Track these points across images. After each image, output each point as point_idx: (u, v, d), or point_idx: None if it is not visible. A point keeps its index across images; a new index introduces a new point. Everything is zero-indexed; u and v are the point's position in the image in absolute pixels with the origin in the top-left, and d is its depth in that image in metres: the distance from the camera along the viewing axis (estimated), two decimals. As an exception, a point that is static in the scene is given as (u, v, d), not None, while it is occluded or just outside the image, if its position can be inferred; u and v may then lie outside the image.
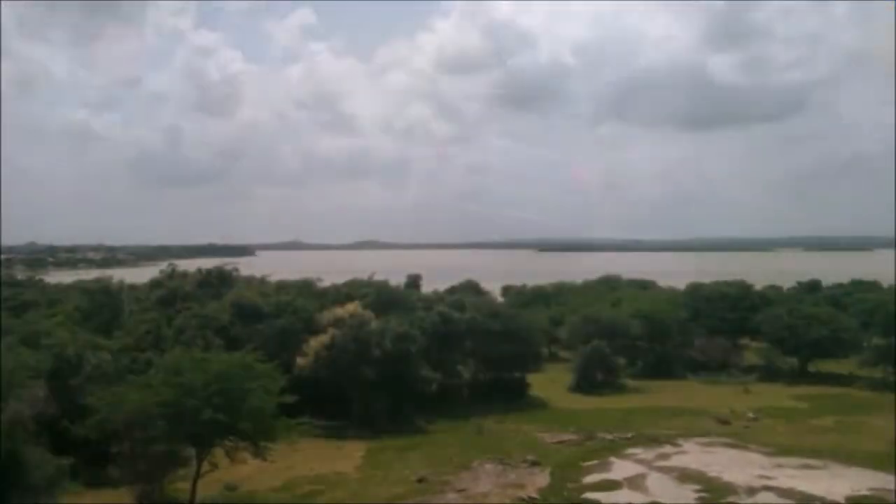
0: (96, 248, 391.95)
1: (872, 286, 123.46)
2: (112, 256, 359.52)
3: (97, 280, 67.62)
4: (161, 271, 79.06)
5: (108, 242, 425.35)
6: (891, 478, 35.63)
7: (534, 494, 33.11)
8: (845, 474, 36.34)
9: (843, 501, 32.09)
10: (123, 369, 36.95)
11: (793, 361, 68.68)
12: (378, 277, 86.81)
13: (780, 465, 37.92)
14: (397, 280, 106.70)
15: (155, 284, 72.32)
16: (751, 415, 50.54)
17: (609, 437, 44.12)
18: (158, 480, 29.69)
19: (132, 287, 75.48)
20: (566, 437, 44.23)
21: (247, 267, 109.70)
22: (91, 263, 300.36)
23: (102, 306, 59.77)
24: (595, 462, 38.66)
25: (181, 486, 30.80)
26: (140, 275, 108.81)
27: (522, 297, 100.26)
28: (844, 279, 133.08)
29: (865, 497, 32.70)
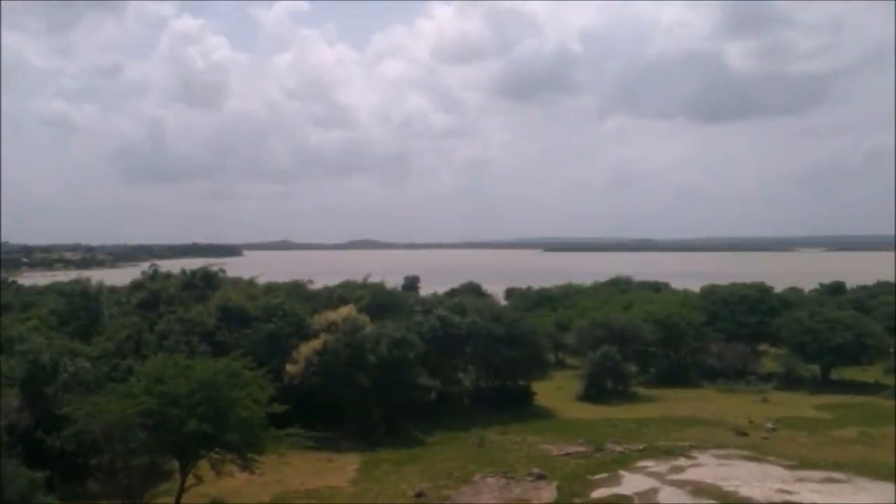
0: (74, 248, 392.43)
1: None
2: (90, 257, 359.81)
3: (75, 281, 67.35)
4: (142, 272, 79.01)
5: (87, 242, 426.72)
6: (919, 492, 35.76)
7: (539, 510, 33.12)
8: (870, 488, 36.30)
9: (868, 517, 32.14)
10: (102, 377, 36.87)
11: (814, 368, 68.74)
12: (374, 279, 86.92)
13: (801, 479, 37.85)
14: (394, 282, 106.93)
15: (136, 286, 72.19)
16: (770, 425, 50.57)
17: (619, 448, 44.11)
18: (140, 495, 29.70)
19: (112, 289, 75.34)
20: (573, 448, 44.21)
21: (234, 268, 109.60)
22: (68, 264, 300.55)
23: (80, 310, 59.66)
24: (604, 475, 38.59)
25: (164, 501, 30.82)
26: (120, 276, 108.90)
27: (527, 300, 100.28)
28: (869, 281, 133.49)
29: (892, 513, 32.75)
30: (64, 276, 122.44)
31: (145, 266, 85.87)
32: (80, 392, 34.17)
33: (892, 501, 34.23)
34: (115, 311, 60.55)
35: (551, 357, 73.32)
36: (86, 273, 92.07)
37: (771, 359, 75.56)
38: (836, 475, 38.74)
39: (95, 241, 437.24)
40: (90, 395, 32.67)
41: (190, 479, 30.46)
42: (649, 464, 40.76)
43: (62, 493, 31.05)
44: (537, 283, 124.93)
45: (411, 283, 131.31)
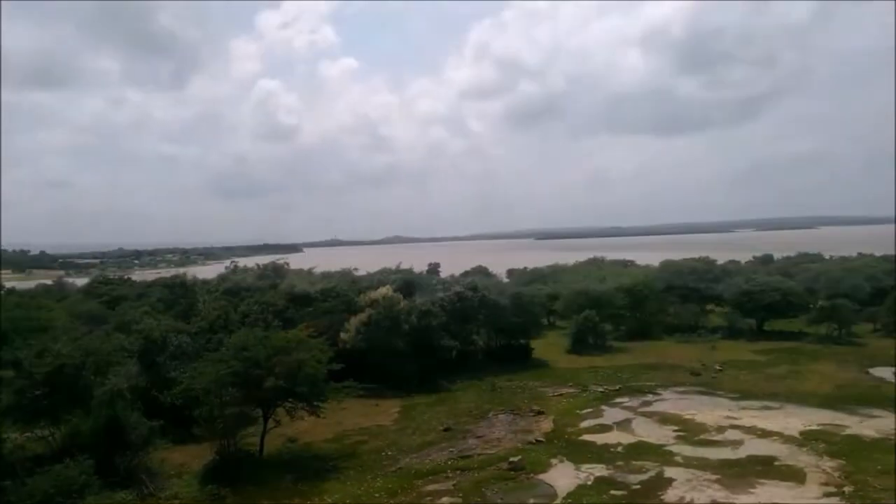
0: (173, 251, 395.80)
1: (816, 257, 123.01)
2: (186, 257, 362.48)
3: (175, 276, 68.30)
4: (226, 268, 79.85)
5: (182, 246, 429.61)
6: (835, 414, 35.62)
7: (540, 438, 33.23)
8: (798, 413, 36.25)
9: (797, 435, 32.06)
10: (200, 348, 37.32)
11: (751, 322, 68.34)
12: (404, 266, 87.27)
13: (743, 408, 37.85)
14: (420, 268, 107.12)
15: (222, 278, 73.16)
16: (718, 367, 50.37)
17: (600, 389, 44.10)
18: (233, 436, 30.11)
19: (204, 281, 76.26)
20: (564, 390, 44.27)
21: (296, 262, 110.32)
22: (169, 263, 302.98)
23: (180, 297, 60.51)
24: (589, 410, 38.69)
25: (251, 441, 31.24)
26: (209, 271, 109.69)
27: (524, 278, 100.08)
28: (792, 252, 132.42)
29: (815, 431, 32.65)
30: (167, 272, 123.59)
31: (228, 263, 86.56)
32: (183, 360, 34.68)
33: (815, 422, 34.19)
34: (207, 297, 61.23)
35: (545, 320, 73.31)
36: (182, 270, 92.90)
37: (717, 315, 75.06)
38: (770, 403, 38.71)
39: (189, 245, 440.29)
40: (191, 362, 33.13)
41: (270, 423, 30.90)
42: (624, 400, 40.81)
43: (174, 437, 31.63)
44: (531, 265, 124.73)
45: (434, 269, 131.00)
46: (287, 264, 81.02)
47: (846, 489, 24.85)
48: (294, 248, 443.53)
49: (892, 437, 31.14)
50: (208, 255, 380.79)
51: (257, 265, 76.80)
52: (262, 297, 52.83)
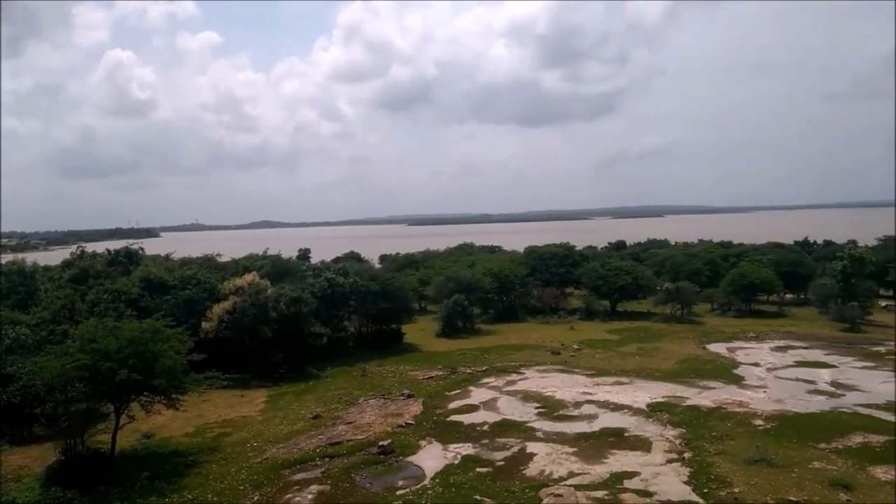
0: (9, 235, 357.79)
1: (663, 244, 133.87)
2: (25, 242, 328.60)
3: (10, 262, 61.47)
4: (71, 253, 73.02)
5: (21, 230, 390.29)
6: (678, 387, 38.95)
7: (410, 420, 33.58)
8: (646, 387, 39.26)
9: (645, 407, 34.71)
10: (42, 340, 34.04)
11: (605, 304, 72.90)
12: (272, 252, 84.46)
13: (598, 384, 40.34)
14: (290, 253, 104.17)
15: (67, 264, 66.74)
16: (576, 346, 53.22)
17: (468, 370, 45.24)
18: (80, 434, 27.80)
19: (46, 268, 69.52)
20: (434, 373, 44.97)
21: (152, 247, 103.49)
22: (5, 249, 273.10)
23: (18, 286, 54.68)
24: (458, 391, 39.63)
25: (103, 438, 29.03)
26: (52, 258, 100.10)
27: (396, 263, 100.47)
28: (642, 239, 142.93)
29: (660, 403, 35.50)
30: (1, 259, 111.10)
31: (74, 248, 79.12)
32: (22, 354, 31.46)
33: (660, 395, 37.19)
34: (49, 286, 55.83)
35: (416, 306, 73.99)
36: (20, 256, 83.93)
37: (575, 298, 79.28)
38: (622, 379, 41.58)
39: (29, 229, 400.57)
40: (32, 356, 30.16)
41: (123, 419, 28.87)
42: (490, 380, 42.14)
43: (11, 438, 28.82)
44: (404, 250, 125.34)
45: (304, 254, 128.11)
46: (142, 249, 75.24)
47: (686, 455, 27.33)
48: (150, 233, 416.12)
49: (726, 407, 34.64)
50: (51, 240, 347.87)
51: (108, 250, 70.71)
52: (114, 285, 48.89)
